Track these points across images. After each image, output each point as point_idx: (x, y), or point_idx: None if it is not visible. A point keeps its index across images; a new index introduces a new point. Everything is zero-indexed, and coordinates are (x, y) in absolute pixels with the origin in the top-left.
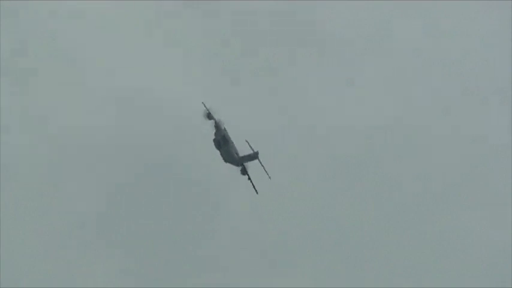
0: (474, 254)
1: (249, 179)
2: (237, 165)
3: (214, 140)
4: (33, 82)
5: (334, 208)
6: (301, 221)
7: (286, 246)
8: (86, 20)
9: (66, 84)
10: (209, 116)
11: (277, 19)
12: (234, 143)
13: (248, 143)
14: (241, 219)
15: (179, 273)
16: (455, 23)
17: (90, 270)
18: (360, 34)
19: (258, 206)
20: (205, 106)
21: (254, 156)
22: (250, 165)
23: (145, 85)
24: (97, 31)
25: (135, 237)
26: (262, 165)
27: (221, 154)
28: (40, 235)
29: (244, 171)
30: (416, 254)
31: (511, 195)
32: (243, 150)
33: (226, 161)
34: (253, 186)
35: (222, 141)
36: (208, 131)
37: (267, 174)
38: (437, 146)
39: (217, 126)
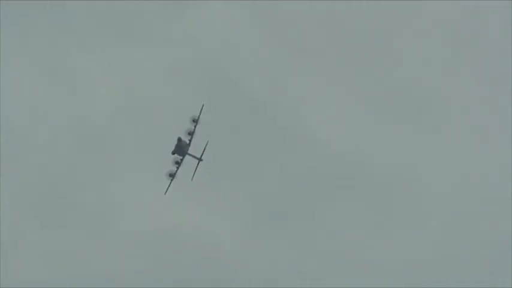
0: None
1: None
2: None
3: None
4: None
5: None
6: None
7: None
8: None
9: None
10: (195, 124)
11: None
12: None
13: (205, 147)
14: None
15: None
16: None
17: None
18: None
19: None
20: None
21: (198, 159)
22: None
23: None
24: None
25: None
26: (195, 169)
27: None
28: None
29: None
30: None
31: None
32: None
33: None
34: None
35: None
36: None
37: (192, 176)
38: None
39: (183, 144)
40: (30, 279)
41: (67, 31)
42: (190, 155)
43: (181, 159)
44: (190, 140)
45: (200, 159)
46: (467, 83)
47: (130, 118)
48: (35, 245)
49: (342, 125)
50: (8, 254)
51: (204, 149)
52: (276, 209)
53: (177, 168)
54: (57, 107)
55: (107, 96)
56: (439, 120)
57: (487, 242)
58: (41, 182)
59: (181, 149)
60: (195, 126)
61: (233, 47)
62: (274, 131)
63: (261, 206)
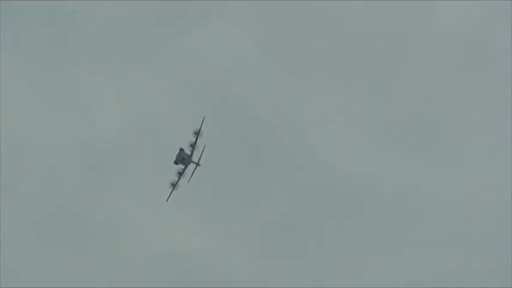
0: None
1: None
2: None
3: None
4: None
5: None
6: None
7: None
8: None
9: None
10: (196, 136)
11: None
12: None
13: (202, 152)
14: None
15: None
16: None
17: None
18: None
19: None
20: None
21: (196, 164)
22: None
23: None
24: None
25: None
26: (193, 172)
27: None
28: None
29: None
30: None
31: None
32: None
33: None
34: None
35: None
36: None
37: (189, 178)
38: None
39: (184, 155)
40: None
41: (71, 53)
42: (193, 162)
43: (183, 169)
44: (192, 152)
45: (198, 164)
46: (476, 103)
47: (135, 139)
48: (39, 265)
49: (350, 148)
50: (11, 276)
51: (201, 154)
52: (283, 232)
53: (179, 177)
54: (61, 129)
55: (111, 117)
56: (448, 144)
57: (494, 264)
58: (46, 203)
59: (182, 159)
60: (196, 138)
61: (240, 69)
62: (280, 154)
63: (268, 229)
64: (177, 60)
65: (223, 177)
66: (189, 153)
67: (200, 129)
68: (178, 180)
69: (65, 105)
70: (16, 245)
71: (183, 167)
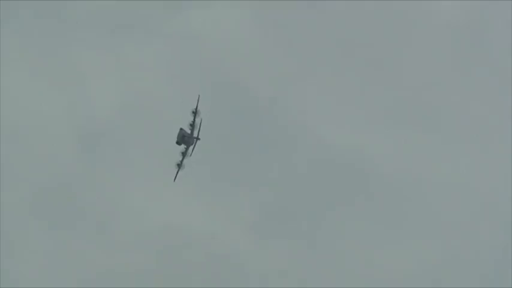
0: None
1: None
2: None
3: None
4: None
5: None
6: None
7: None
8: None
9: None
10: (194, 115)
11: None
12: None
13: (200, 126)
14: None
15: None
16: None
17: None
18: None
19: None
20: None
21: (196, 138)
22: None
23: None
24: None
25: None
26: (194, 147)
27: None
28: None
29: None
30: None
31: None
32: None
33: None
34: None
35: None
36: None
37: (191, 152)
38: None
39: (184, 134)
40: (33, 277)
41: (68, 29)
42: (194, 137)
43: (186, 149)
44: (192, 131)
45: (197, 138)
46: (473, 87)
47: (132, 115)
48: (38, 244)
49: (348, 128)
50: (9, 254)
51: (199, 128)
52: (280, 210)
53: (183, 157)
54: (58, 105)
55: (108, 93)
56: (444, 124)
57: (490, 245)
58: (43, 181)
59: (183, 138)
60: (194, 117)
61: (236, 47)
62: (278, 132)
63: (265, 207)
64: (175, 36)
65: (220, 155)
66: (189, 132)
67: (197, 107)
68: (182, 159)
69: (62, 81)
70: (13, 224)
71: (185, 146)
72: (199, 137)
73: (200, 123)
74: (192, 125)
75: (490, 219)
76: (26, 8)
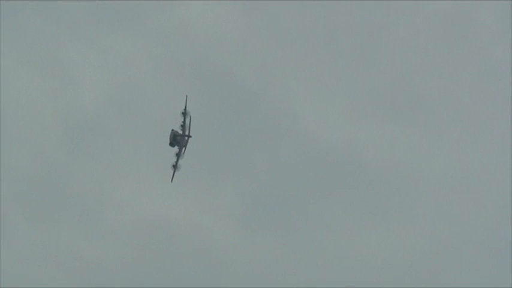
0: None
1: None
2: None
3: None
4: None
5: None
6: None
7: None
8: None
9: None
10: (184, 116)
11: None
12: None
13: (189, 123)
14: None
15: None
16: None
17: None
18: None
19: None
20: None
21: (187, 136)
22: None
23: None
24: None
25: None
26: (185, 146)
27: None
28: None
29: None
30: None
31: None
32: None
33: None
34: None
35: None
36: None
37: (183, 151)
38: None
39: (176, 135)
40: (22, 271)
41: (55, 21)
42: (186, 135)
43: (180, 150)
44: (183, 131)
45: (189, 136)
46: (460, 78)
47: (119, 107)
48: (24, 237)
49: (335, 120)
50: None
51: (190, 125)
52: (267, 202)
53: (177, 158)
54: (45, 98)
55: (95, 85)
56: (433, 116)
57: (478, 235)
58: (30, 172)
59: (175, 138)
60: (184, 118)
61: (223, 40)
62: (264, 124)
63: (252, 199)
64: (162, 28)
65: (207, 147)
66: (180, 131)
67: (186, 108)
68: (177, 161)
69: (48, 73)
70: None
71: (178, 147)
72: (191, 134)
73: (190, 121)
74: (183, 126)
75: (478, 209)
76: (14, 0)
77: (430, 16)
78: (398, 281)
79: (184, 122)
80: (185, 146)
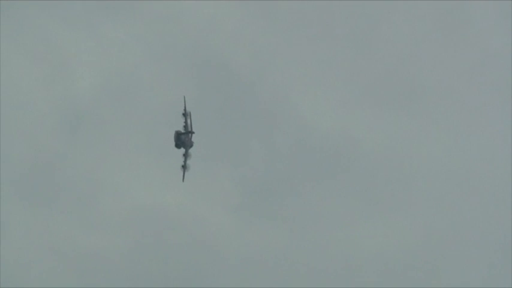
0: None
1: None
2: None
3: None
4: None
5: None
6: None
7: None
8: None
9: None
10: (185, 117)
11: None
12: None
13: (190, 119)
14: None
15: None
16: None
17: None
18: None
19: None
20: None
21: (191, 132)
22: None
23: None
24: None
25: None
26: (190, 137)
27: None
28: None
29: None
30: None
31: None
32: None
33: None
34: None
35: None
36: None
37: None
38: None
39: (180, 136)
40: (17, 257)
41: (49, 8)
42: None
43: (186, 151)
44: (187, 131)
45: (192, 132)
46: (457, 68)
47: (114, 94)
48: (20, 223)
49: (331, 108)
50: None
51: (191, 121)
52: (263, 190)
53: (185, 159)
54: (40, 86)
55: (90, 72)
56: (429, 105)
57: (475, 224)
58: (24, 158)
59: (179, 137)
60: (185, 119)
61: (218, 27)
62: (261, 112)
63: (248, 187)
64: (157, 16)
65: (203, 135)
66: (185, 134)
67: (185, 109)
68: (185, 161)
69: (43, 60)
70: None
71: (184, 148)
72: (193, 130)
73: (190, 118)
74: (185, 126)
75: (475, 198)
76: None
77: (427, 7)
78: (391, 268)
79: (185, 122)
80: (190, 145)
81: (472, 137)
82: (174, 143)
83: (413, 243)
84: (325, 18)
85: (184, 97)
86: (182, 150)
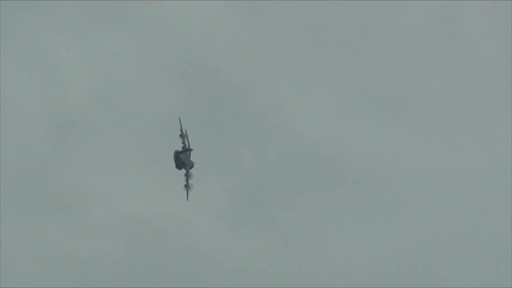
0: None
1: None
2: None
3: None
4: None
5: None
6: None
7: None
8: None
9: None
10: (182, 138)
11: None
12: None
13: (187, 136)
14: None
15: None
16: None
17: None
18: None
19: None
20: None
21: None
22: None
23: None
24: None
25: None
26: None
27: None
28: None
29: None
30: None
31: None
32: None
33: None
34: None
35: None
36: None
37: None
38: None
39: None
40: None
41: (38, 13)
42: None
43: (187, 171)
44: (185, 150)
45: (191, 150)
46: (450, 76)
47: (104, 102)
48: (8, 231)
49: (322, 117)
50: None
51: (187, 138)
52: (254, 200)
53: (187, 178)
54: (29, 92)
55: (80, 79)
56: (422, 114)
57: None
58: (12, 166)
59: (178, 156)
60: (183, 140)
61: (212, 35)
62: (251, 120)
63: (239, 197)
64: (149, 24)
65: (192, 143)
66: (183, 152)
67: (181, 130)
68: (187, 181)
69: (32, 66)
70: None
71: (185, 167)
72: (191, 147)
73: (186, 135)
74: (183, 147)
75: (468, 206)
76: None
77: (420, 13)
78: (385, 279)
79: (183, 142)
80: (191, 166)
81: (466, 145)
82: (174, 164)
83: (406, 252)
84: (319, 26)
85: (179, 118)
86: (183, 170)
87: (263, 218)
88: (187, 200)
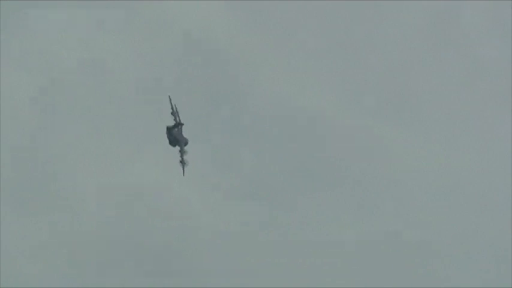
0: None
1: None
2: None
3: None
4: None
5: None
6: None
7: None
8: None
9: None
10: (174, 116)
11: None
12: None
13: (177, 111)
14: None
15: None
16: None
17: None
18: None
19: None
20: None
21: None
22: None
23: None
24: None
25: None
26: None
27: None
28: None
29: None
30: None
31: None
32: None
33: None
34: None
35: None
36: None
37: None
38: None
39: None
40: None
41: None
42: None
43: (181, 147)
44: (176, 126)
45: (181, 124)
46: (450, 76)
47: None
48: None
49: (321, 116)
50: None
51: (178, 113)
52: (254, 197)
53: (181, 155)
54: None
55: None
56: (422, 112)
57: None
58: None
59: (170, 132)
60: (174, 117)
61: (212, 33)
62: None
63: (238, 193)
64: (148, 23)
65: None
66: (175, 127)
67: (172, 107)
68: (182, 157)
69: (32, 66)
70: None
71: (178, 143)
72: (182, 122)
73: (176, 110)
74: (176, 124)
75: (467, 205)
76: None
77: (420, 13)
78: (385, 279)
79: (175, 119)
80: (185, 142)
81: (466, 145)
82: (168, 141)
83: (406, 252)
84: (319, 26)
85: (169, 96)
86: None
87: (261, 212)
88: (183, 175)
